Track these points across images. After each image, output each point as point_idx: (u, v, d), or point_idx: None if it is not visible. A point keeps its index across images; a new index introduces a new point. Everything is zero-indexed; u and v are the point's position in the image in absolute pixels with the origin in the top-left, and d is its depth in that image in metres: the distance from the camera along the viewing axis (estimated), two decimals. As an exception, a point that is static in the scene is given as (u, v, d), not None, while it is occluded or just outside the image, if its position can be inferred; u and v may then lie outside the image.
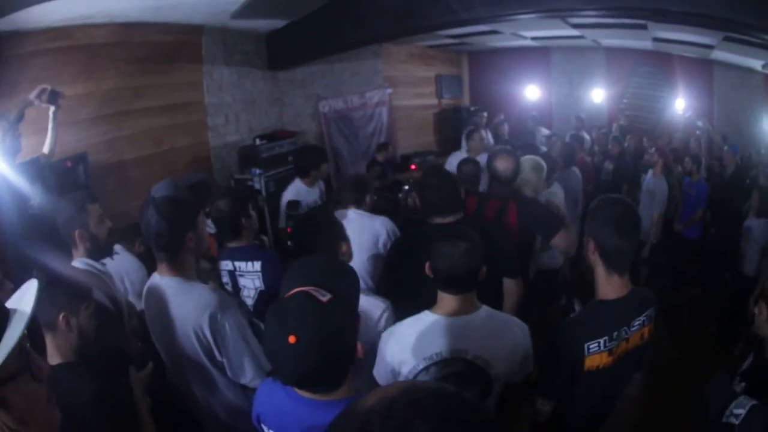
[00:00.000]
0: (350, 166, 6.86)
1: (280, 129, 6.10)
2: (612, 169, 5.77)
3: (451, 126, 8.31)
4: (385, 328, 1.78)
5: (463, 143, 5.28)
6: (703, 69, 6.93)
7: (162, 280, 1.71)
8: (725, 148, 5.71)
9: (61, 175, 3.31)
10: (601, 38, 6.92)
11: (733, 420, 1.58)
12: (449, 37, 7.26)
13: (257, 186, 5.10)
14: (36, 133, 2.91)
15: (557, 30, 6.33)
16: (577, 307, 1.87)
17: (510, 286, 2.30)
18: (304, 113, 6.61)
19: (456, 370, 1.58)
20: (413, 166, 6.72)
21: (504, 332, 1.63)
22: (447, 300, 1.61)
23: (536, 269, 3.28)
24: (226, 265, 2.38)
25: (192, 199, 1.76)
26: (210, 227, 2.44)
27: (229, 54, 5.34)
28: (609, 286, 1.62)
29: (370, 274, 2.64)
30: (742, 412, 1.57)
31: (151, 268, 1.84)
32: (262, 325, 1.56)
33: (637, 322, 1.64)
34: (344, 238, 1.96)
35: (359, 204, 2.82)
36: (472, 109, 8.35)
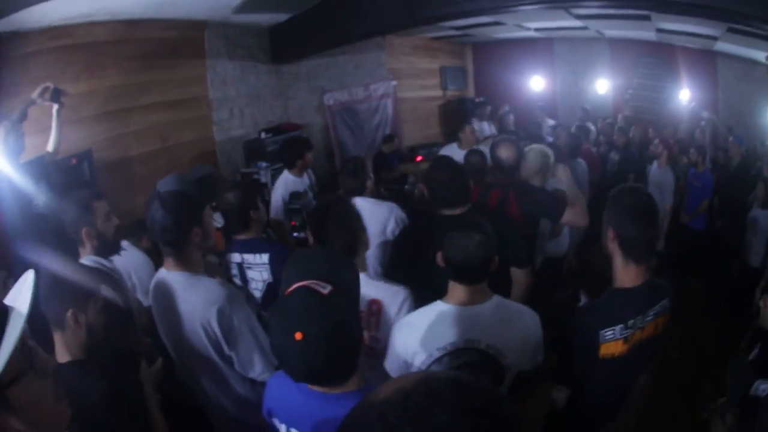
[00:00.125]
0: (356, 158, 6.85)
1: (285, 122, 6.08)
2: (618, 160, 5.73)
3: (456, 117, 8.21)
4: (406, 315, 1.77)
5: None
6: (706, 60, 6.85)
7: (169, 274, 1.70)
8: (730, 139, 5.68)
9: (67, 172, 3.31)
10: (604, 29, 6.87)
11: (760, 393, 1.64)
12: (453, 29, 7.22)
13: (264, 179, 5.07)
14: (40, 132, 2.89)
15: (561, 21, 6.29)
16: (582, 297, 1.87)
17: (518, 275, 2.30)
18: (308, 106, 6.59)
19: (469, 360, 1.57)
20: (419, 158, 6.72)
21: (516, 322, 1.62)
22: (459, 290, 1.60)
23: (543, 257, 3.27)
24: (235, 257, 2.39)
25: (197, 194, 1.75)
26: (217, 221, 2.44)
27: (233, 48, 5.32)
28: (626, 274, 1.63)
29: (380, 261, 2.63)
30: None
31: (158, 264, 1.82)
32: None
33: (653, 312, 1.64)
34: (363, 228, 1.94)
35: (361, 191, 2.81)
36: (477, 100, 8.31)
